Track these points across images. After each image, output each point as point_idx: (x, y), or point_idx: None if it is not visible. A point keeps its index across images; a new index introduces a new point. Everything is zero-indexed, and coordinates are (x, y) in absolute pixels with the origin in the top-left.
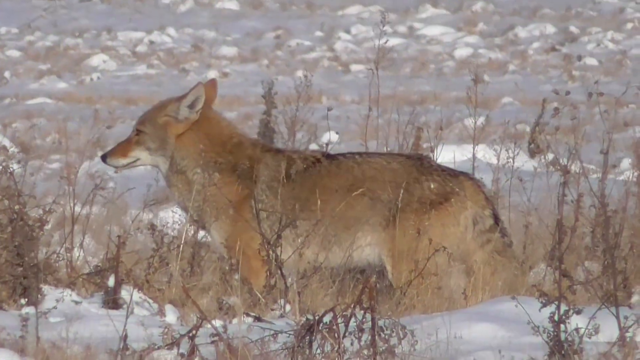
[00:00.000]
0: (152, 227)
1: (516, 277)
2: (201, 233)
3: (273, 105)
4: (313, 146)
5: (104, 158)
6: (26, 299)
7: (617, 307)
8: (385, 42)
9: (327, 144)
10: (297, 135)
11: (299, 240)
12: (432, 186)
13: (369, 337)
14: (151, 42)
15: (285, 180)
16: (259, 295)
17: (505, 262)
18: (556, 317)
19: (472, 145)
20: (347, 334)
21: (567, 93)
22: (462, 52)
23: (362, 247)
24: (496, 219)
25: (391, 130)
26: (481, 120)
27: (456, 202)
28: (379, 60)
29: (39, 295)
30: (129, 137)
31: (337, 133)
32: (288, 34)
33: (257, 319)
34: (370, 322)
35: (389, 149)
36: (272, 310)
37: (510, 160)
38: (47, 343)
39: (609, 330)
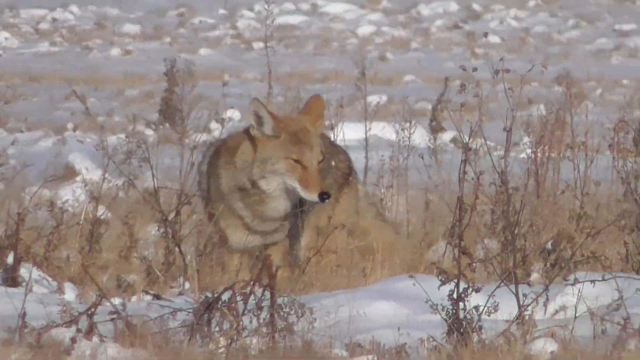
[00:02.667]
0: (51, 204)
1: (415, 255)
2: (100, 210)
3: (175, 83)
4: (213, 124)
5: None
6: None
7: (516, 285)
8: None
9: (222, 121)
10: (198, 112)
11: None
12: (340, 160)
13: (268, 315)
14: (54, 20)
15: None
16: (158, 272)
17: (389, 226)
18: (455, 295)
19: (374, 123)
20: (246, 311)
21: (474, 70)
22: (365, 30)
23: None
24: None
25: (293, 107)
26: (383, 97)
27: (354, 173)
28: (281, 38)
29: None
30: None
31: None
32: (191, 12)
33: (156, 296)
34: (269, 300)
35: None
36: (172, 288)
37: (410, 138)
38: None
39: (508, 308)
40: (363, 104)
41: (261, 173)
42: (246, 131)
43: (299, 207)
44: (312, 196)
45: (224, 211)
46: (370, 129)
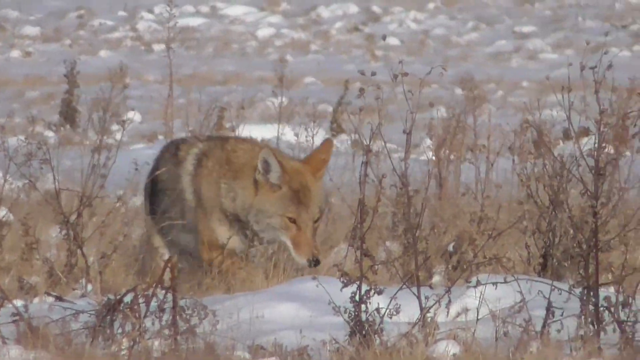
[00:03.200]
0: None
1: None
2: (1, 212)
3: (75, 85)
4: (114, 125)
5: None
6: None
7: (418, 287)
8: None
9: (124, 122)
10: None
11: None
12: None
13: (170, 317)
14: None
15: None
16: (60, 274)
17: None
18: (357, 297)
19: (273, 125)
20: (148, 313)
21: (374, 73)
22: (264, 32)
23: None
24: None
25: (193, 109)
26: (284, 100)
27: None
28: (182, 40)
29: None
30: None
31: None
32: (91, 14)
33: (59, 298)
34: (171, 302)
35: (190, 128)
36: (74, 290)
37: (312, 139)
38: None
39: (410, 310)
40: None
41: (256, 219)
42: (249, 151)
43: None
44: (301, 260)
45: (218, 212)
46: (282, 130)
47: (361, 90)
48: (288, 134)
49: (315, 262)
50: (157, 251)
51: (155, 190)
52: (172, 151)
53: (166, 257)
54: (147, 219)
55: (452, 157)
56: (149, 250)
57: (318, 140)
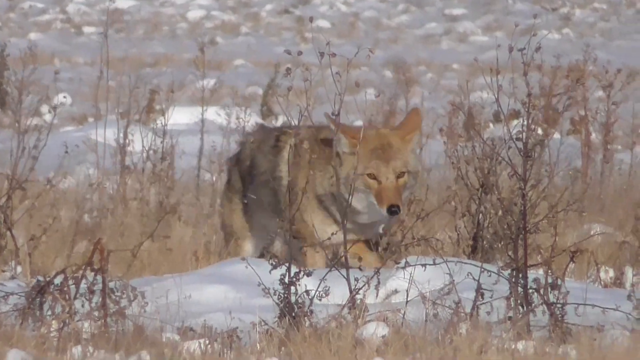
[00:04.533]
0: None
1: None
2: None
3: (5, 67)
4: (44, 108)
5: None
6: None
7: (347, 269)
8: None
9: (55, 107)
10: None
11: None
12: None
13: (100, 299)
14: None
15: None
16: None
17: None
18: (287, 279)
19: (203, 108)
20: (77, 295)
21: (299, 53)
22: (195, 14)
23: None
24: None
25: (123, 92)
26: (213, 82)
27: None
28: (111, 23)
29: None
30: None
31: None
32: None
33: None
34: (101, 284)
35: (121, 111)
36: (3, 271)
37: (242, 121)
38: None
39: (339, 292)
40: (194, 88)
41: (348, 190)
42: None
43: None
44: (381, 210)
45: (317, 207)
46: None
47: (288, 69)
48: (218, 116)
49: (395, 210)
50: (236, 235)
51: (250, 176)
52: (272, 142)
53: (248, 244)
54: (226, 201)
55: None
56: (228, 233)
57: (250, 123)
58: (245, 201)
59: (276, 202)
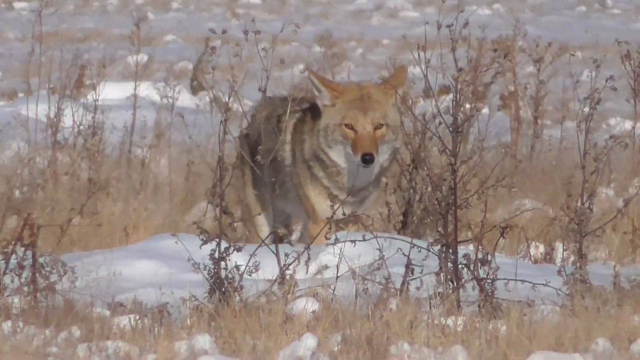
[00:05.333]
0: None
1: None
2: None
3: None
4: None
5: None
6: None
7: (277, 245)
8: None
9: None
10: None
11: None
12: None
13: (30, 274)
14: None
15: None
16: None
17: None
18: (216, 255)
19: (134, 83)
20: (7, 271)
21: (224, 32)
22: None
23: None
24: None
25: (54, 67)
26: (144, 57)
27: None
28: None
29: None
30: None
31: None
32: None
33: None
34: (31, 259)
35: (51, 86)
36: None
37: (173, 97)
38: None
39: (269, 268)
40: (125, 63)
41: (326, 142)
42: None
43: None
44: (356, 159)
45: (310, 179)
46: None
47: (212, 48)
48: (149, 92)
49: (369, 159)
50: (252, 209)
51: (255, 154)
52: (274, 122)
53: (261, 218)
54: (239, 174)
55: None
56: (244, 206)
57: (181, 99)
58: (253, 175)
59: (280, 181)
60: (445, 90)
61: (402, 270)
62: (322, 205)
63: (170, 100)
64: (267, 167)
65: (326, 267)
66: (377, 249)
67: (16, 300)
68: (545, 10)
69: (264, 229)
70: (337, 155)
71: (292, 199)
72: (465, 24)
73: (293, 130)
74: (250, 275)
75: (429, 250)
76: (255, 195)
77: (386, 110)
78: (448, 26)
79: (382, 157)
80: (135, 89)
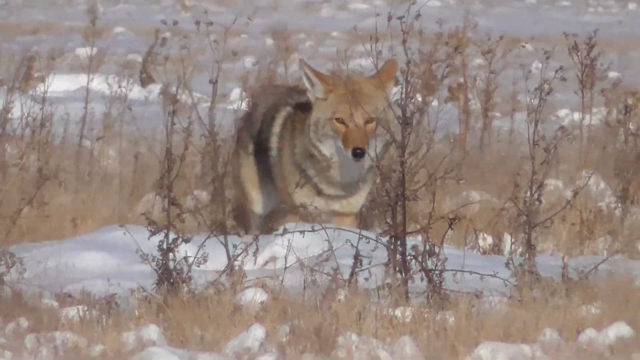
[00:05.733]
0: None
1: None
2: None
3: None
4: None
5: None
6: None
7: (225, 236)
8: None
9: None
10: None
11: None
12: None
13: None
14: None
15: None
16: None
17: None
18: (165, 246)
19: (84, 75)
20: None
21: (175, 23)
22: None
23: None
24: None
25: (2, 60)
26: (94, 50)
27: None
28: None
29: None
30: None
31: None
32: None
33: None
34: None
35: (1, 77)
36: None
37: (123, 89)
38: None
39: (218, 259)
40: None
41: (317, 137)
42: None
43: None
44: (347, 153)
45: (296, 174)
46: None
47: (163, 39)
48: (99, 84)
49: (360, 152)
50: (247, 194)
51: (259, 139)
52: (272, 113)
53: (256, 204)
54: (235, 158)
55: None
56: (240, 190)
57: (132, 92)
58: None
59: (268, 171)
60: (394, 82)
61: (350, 261)
62: (303, 199)
63: (122, 91)
64: (262, 156)
65: (275, 258)
66: (326, 240)
67: None
68: (495, 2)
69: (257, 208)
70: (328, 150)
71: (276, 188)
72: (417, 15)
73: (282, 124)
74: (198, 266)
75: (377, 242)
76: (252, 180)
77: (377, 105)
78: (399, 18)
79: (374, 151)
80: (88, 82)
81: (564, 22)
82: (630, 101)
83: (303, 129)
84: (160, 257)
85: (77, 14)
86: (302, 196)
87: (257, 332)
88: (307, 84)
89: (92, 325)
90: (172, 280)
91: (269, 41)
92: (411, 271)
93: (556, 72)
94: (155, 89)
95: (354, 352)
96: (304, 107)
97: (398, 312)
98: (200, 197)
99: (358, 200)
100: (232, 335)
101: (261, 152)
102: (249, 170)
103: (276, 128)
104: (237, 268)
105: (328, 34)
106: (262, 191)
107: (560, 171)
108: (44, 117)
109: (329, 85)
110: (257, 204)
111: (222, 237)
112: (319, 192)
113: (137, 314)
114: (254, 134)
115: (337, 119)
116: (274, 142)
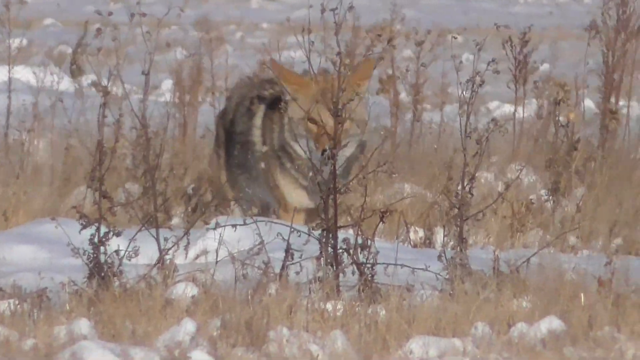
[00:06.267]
0: None
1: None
2: None
3: None
4: None
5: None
6: None
7: (157, 229)
8: None
9: None
10: None
11: None
12: None
13: None
14: None
15: None
16: None
17: None
18: (96, 239)
19: (15, 67)
20: None
21: (110, 14)
22: None
23: None
24: None
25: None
26: (21, 41)
27: None
28: None
29: None
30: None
31: None
32: None
33: None
34: None
35: None
36: None
37: (51, 82)
38: None
39: (149, 252)
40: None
41: (291, 136)
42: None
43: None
44: (316, 151)
45: (279, 168)
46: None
47: (98, 30)
48: (27, 75)
49: (329, 154)
50: (225, 192)
51: (229, 136)
52: (247, 104)
53: (233, 202)
54: (215, 156)
55: (190, 99)
56: (218, 189)
57: (62, 84)
58: (227, 157)
59: (250, 166)
60: (323, 73)
61: (282, 255)
62: (291, 193)
63: (52, 83)
64: (238, 151)
65: (206, 251)
66: (257, 234)
67: None
68: None
69: (236, 215)
70: (302, 149)
71: (262, 183)
72: (350, 7)
73: (263, 116)
74: (129, 260)
75: (309, 235)
76: (230, 179)
77: (350, 104)
78: (332, 10)
79: (348, 150)
80: (9, 71)
81: (494, 13)
82: (560, 94)
83: (280, 122)
84: (92, 251)
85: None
86: (290, 191)
87: (188, 326)
88: (279, 83)
89: (24, 318)
90: (103, 274)
91: (199, 33)
92: (342, 264)
93: (488, 64)
94: (85, 80)
95: (285, 346)
96: (279, 100)
97: (329, 306)
98: (132, 189)
99: None
100: (163, 329)
101: (232, 143)
102: (225, 174)
103: (258, 121)
104: (168, 262)
105: (258, 25)
106: (239, 197)
107: (492, 164)
108: None
109: (296, 85)
110: (235, 214)
111: (153, 230)
112: (302, 187)
113: (68, 307)
114: (227, 126)
115: (309, 119)
116: (257, 135)
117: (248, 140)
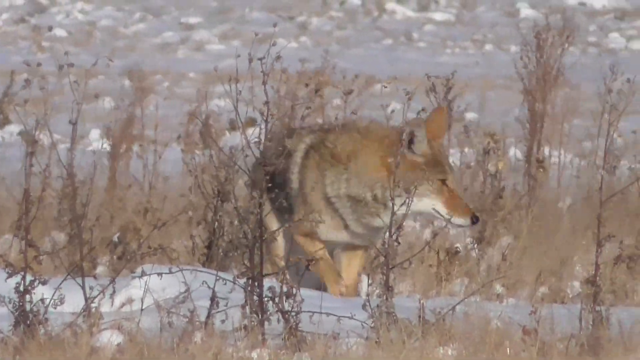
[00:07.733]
0: None
1: None
2: None
3: None
4: None
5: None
6: None
7: (82, 278)
8: None
9: None
10: None
11: None
12: None
13: None
14: None
15: None
16: None
17: None
18: (22, 288)
19: None
20: None
21: (39, 64)
22: None
23: None
24: None
25: None
26: None
27: None
28: None
29: None
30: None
31: None
32: None
33: None
34: None
35: None
36: None
37: None
38: None
39: (75, 301)
40: None
41: (369, 191)
42: (361, 134)
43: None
44: (463, 221)
45: (321, 209)
46: None
47: (27, 81)
48: None
49: (477, 219)
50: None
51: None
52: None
53: (278, 247)
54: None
55: (125, 147)
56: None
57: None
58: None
59: (289, 205)
60: (251, 122)
61: (207, 303)
62: (329, 232)
63: None
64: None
65: (132, 300)
66: (183, 282)
67: None
68: (352, 43)
69: (280, 255)
70: (418, 206)
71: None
72: (278, 57)
73: (304, 155)
74: (55, 308)
75: (234, 283)
76: (276, 222)
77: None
78: (260, 59)
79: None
80: None
81: (421, 63)
82: (490, 143)
83: (336, 167)
84: (17, 299)
85: None
86: (327, 229)
87: None
88: (407, 139)
89: None
90: (28, 322)
91: (127, 82)
92: (268, 313)
93: (418, 113)
94: (12, 130)
95: None
96: (338, 146)
97: (255, 354)
98: (58, 238)
99: (380, 236)
100: None
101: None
102: (269, 217)
103: (296, 160)
104: (93, 310)
105: (184, 75)
106: (283, 240)
107: None
108: None
109: (428, 144)
110: (279, 252)
111: (79, 279)
112: (346, 227)
113: None
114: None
115: (440, 180)
116: (294, 172)
117: (285, 180)
